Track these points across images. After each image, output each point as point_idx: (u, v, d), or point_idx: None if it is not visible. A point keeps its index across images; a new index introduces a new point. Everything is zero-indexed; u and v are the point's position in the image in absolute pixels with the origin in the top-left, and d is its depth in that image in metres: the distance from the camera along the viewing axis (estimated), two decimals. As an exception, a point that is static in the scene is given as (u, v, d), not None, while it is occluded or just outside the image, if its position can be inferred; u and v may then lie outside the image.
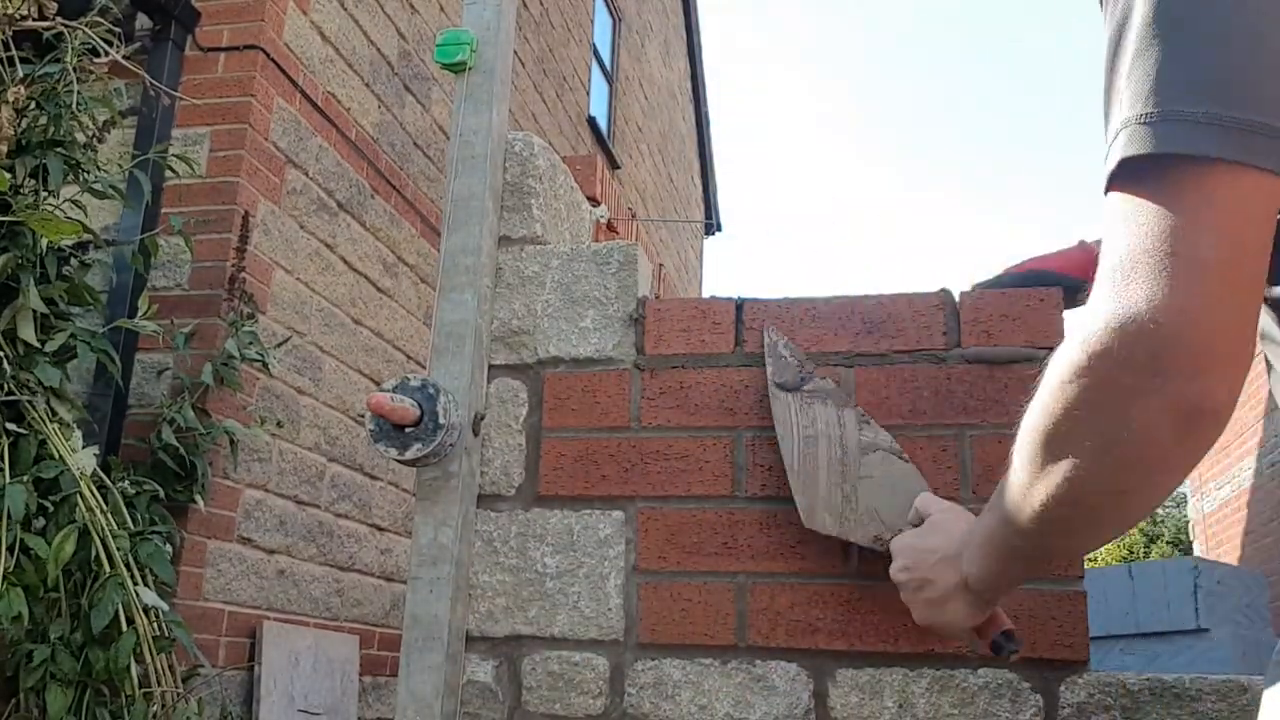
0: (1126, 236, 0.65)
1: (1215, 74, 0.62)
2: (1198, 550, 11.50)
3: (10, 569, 2.49)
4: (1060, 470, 0.73)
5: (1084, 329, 0.68)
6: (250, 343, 3.63)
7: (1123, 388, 0.65)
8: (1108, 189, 0.67)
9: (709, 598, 1.27)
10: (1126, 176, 0.65)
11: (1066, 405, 0.70)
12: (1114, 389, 0.66)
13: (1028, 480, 0.77)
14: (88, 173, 3.01)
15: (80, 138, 2.99)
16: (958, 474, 1.25)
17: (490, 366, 1.41)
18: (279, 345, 4.01)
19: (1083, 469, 0.71)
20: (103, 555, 2.68)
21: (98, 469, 2.88)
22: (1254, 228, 0.63)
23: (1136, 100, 0.64)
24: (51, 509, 2.70)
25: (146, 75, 3.48)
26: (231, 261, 3.76)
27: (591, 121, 8.85)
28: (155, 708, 2.71)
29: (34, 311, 2.78)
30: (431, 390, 1.28)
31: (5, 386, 2.71)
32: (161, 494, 3.24)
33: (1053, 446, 0.73)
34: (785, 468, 1.24)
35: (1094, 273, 0.69)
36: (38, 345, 2.79)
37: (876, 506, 1.20)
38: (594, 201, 6.13)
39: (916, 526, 1.09)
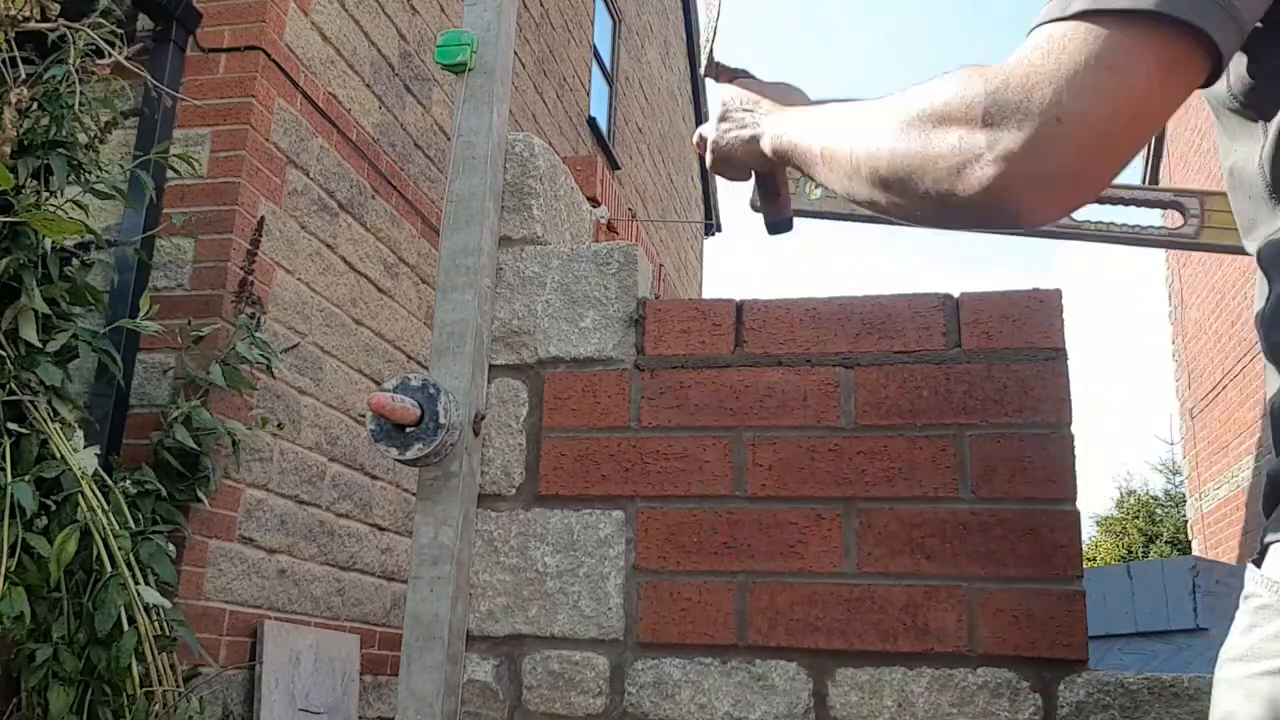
0: (1072, 43, 0.68)
1: None
2: (1196, 550, 11.50)
3: (12, 569, 2.49)
4: (884, 137, 0.79)
5: (991, 67, 0.72)
6: (258, 345, 3.64)
7: (990, 112, 0.70)
8: (1063, 19, 0.69)
9: (709, 597, 1.28)
10: (1098, 15, 0.68)
11: (930, 99, 0.76)
12: (975, 110, 0.71)
13: (854, 121, 0.85)
14: (90, 173, 3.01)
15: (82, 138, 3.00)
16: (957, 474, 1.26)
17: (491, 366, 1.41)
18: (286, 350, 4.02)
19: (900, 146, 0.77)
20: (104, 555, 2.69)
21: (99, 469, 2.89)
22: (1180, 95, 0.69)
23: None
24: (53, 508, 2.71)
25: (148, 76, 3.48)
26: (237, 263, 3.76)
27: (591, 122, 8.85)
28: (157, 707, 2.72)
29: (36, 311, 2.79)
30: (432, 390, 1.29)
31: (7, 386, 2.72)
32: (164, 493, 3.25)
33: (892, 115, 0.79)
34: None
35: None
36: (40, 345, 2.80)
37: None
38: (594, 202, 6.13)
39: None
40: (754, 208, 1.13)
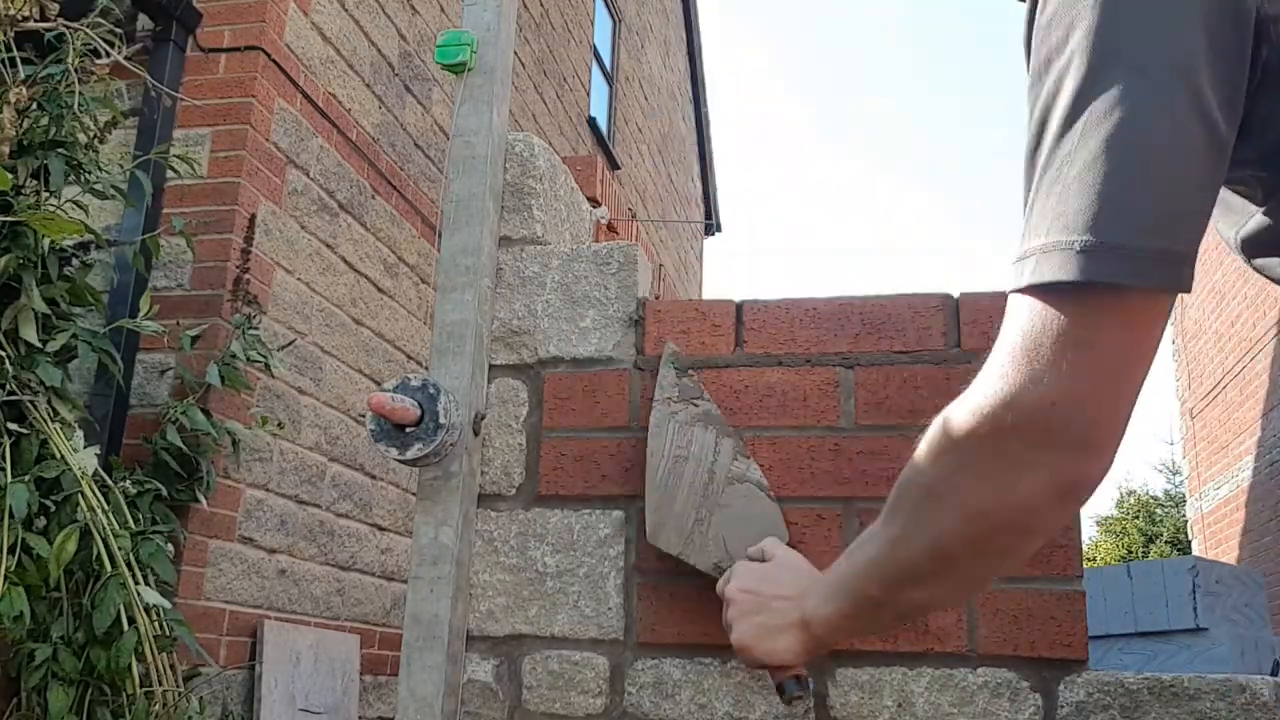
0: (1034, 323, 0.70)
1: (1124, 204, 0.67)
2: (1196, 550, 11.50)
3: (12, 568, 2.49)
4: (935, 526, 0.78)
5: (978, 397, 0.73)
6: (254, 344, 3.64)
7: (1012, 457, 0.71)
8: (1021, 290, 0.71)
9: (709, 597, 1.28)
10: (1047, 290, 0.69)
11: (952, 467, 0.76)
12: (1004, 458, 0.72)
13: (898, 533, 0.82)
14: (89, 173, 3.01)
15: (82, 138, 3.00)
16: (957, 474, 1.26)
17: (491, 366, 1.41)
18: (283, 348, 4.02)
19: (958, 527, 0.76)
20: (104, 555, 2.69)
21: (99, 469, 2.89)
22: (1152, 341, 0.70)
23: (1056, 224, 0.69)
24: (53, 508, 2.71)
25: (148, 76, 3.48)
26: (236, 263, 3.76)
27: (591, 122, 8.85)
28: (156, 707, 2.72)
29: (35, 312, 2.79)
30: (432, 390, 1.29)
31: (7, 386, 2.72)
32: (164, 493, 3.25)
33: (931, 504, 0.78)
34: (645, 479, 1.26)
35: None
36: (39, 345, 2.80)
37: (725, 535, 1.22)
38: (594, 202, 6.13)
39: (757, 561, 1.10)
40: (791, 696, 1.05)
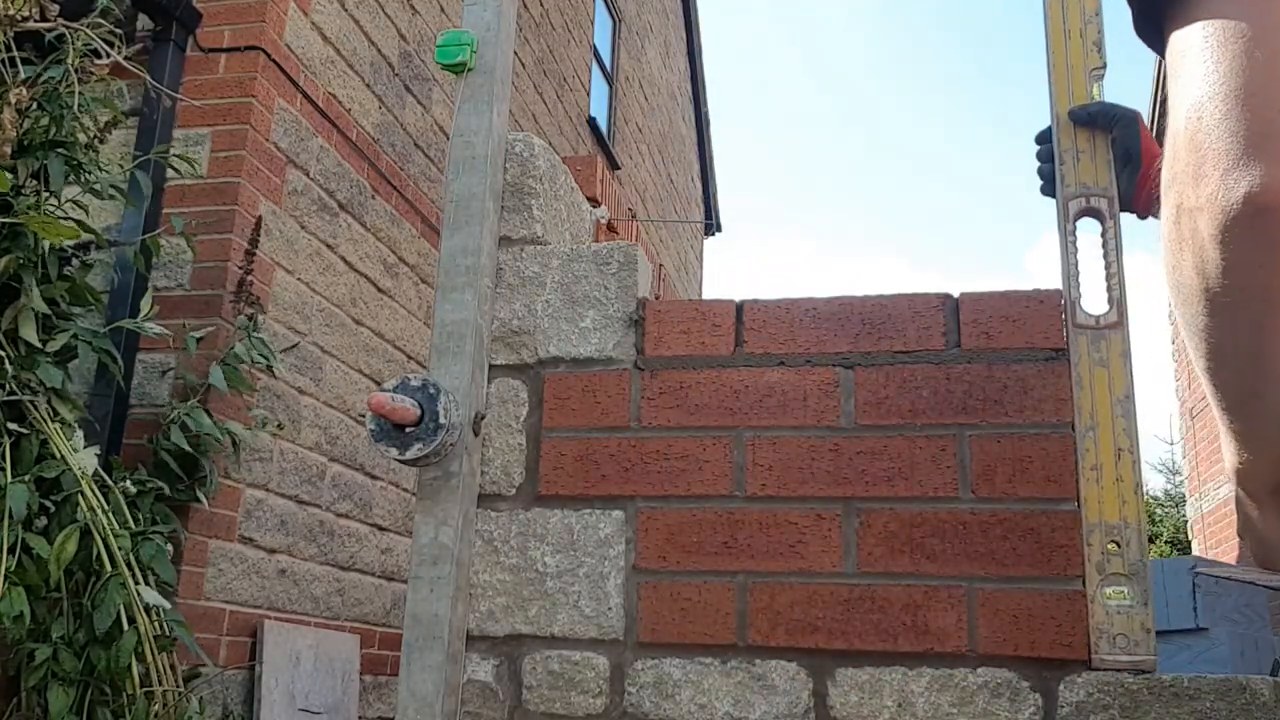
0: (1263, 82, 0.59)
1: None
2: (1196, 550, 11.50)
3: (12, 569, 2.49)
4: (1235, 324, 0.64)
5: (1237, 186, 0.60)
6: (258, 346, 3.64)
7: None
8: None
9: (709, 597, 1.28)
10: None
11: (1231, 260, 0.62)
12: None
13: (1204, 346, 0.67)
14: (89, 173, 3.01)
15: (82, 138, 3.00)
16: (956, 474, 1.26)
17: (491, 366, 1.41)
18: (285, 350, 4.01)
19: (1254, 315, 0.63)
20: (104, 555, 2.69)
21: (99, 469, 2.89)
22: None
23: None
24: (53, 509, 2.71)
25: (148, 76, 3.48)
26: (236, 263, 3.76)
27: (591, 122, 8.85)
28: (157, 707, 2.72)
29: (36, 312, 2.79)
30: (432, 390, 1.29)
31: (7, 386, 2.72)
32: (165, 493, 3.25)
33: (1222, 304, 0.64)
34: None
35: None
36: (39, 345, 2.80)
37: None
38: (594, 202, 6.13)
39: None
40: None
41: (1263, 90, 0.60)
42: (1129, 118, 1.28)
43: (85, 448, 2.86)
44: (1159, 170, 0.95)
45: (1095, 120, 1.28)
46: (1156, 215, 1.14)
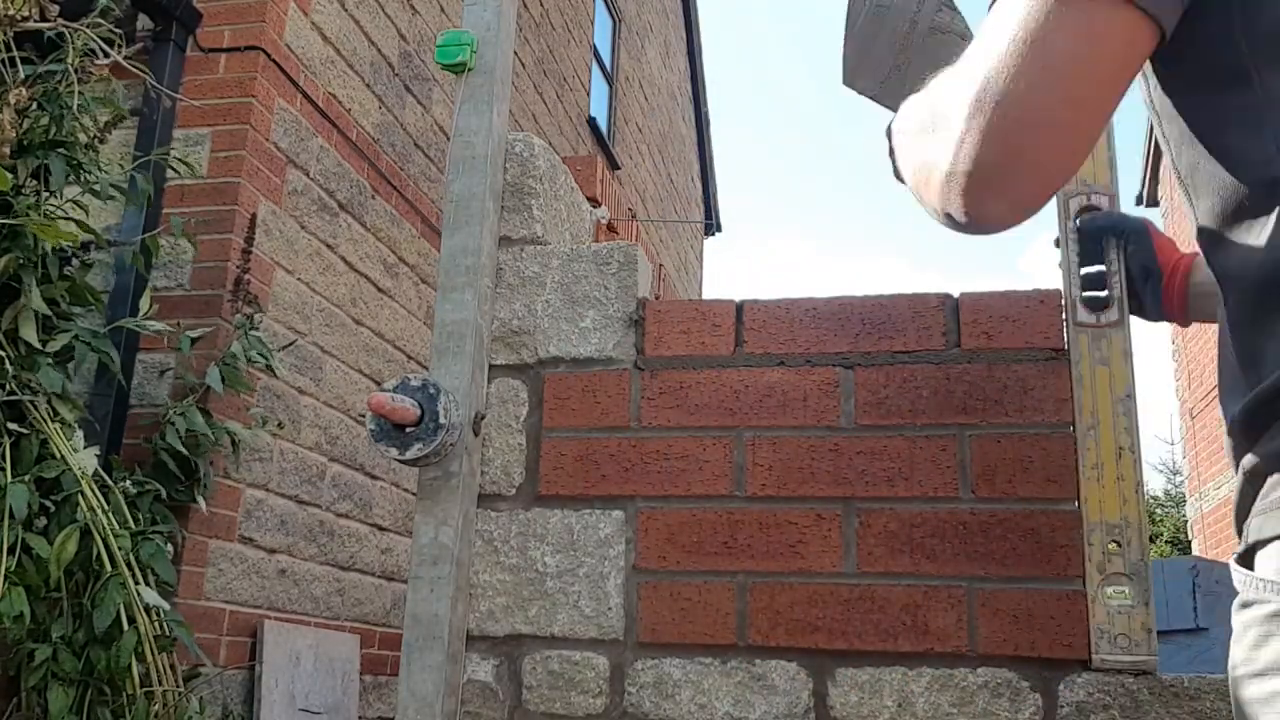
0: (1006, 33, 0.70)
1: None
2: (1196, 550, 11.50)
3: (12, 569, 2.49)
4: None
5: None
6: (255, 345, 3.63)
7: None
8: None
9: (709, 597, 1.28)
10: None
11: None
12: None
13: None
14: (89, 173, 3.01)
15: (82, 138, 3.00)
16: (956, 473, 1.26)
17: (491, 366, 1.41)
18: (283, 349, 4.01)
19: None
20: (104, 555, 2.68)
21: (99, 469, 2.88)
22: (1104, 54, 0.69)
23: None
24: (53, 509, 2.71)
25: (148, 76, 3.48)
26: (236, 263, 3.76)
27: (591, 122, 8.85)
28: (156, 707, 2.72)
29: (36, 312, 2.79)
30: (432, 390, 1.29)
31: (7, 387, 2.72)
32: (164, 494, 3.24)
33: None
34: (845, 27, 1.24)
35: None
36: (39, 346, 2.80)
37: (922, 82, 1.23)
38: (594, 202, 6.13)
39: None
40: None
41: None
42: (1139, 230, 1.25)
43: (85, 448, 2.85)
44: (1183, 277, 1.07)
45: (1104, 233, 1.26)
46: (1196, 319, 1.18)
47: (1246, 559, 0.69)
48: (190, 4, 3.99)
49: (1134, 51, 0.71)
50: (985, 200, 0.74)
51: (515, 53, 5.40)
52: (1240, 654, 0.68)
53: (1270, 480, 0.67)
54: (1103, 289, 1.24)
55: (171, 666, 2.80)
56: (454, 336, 1.35)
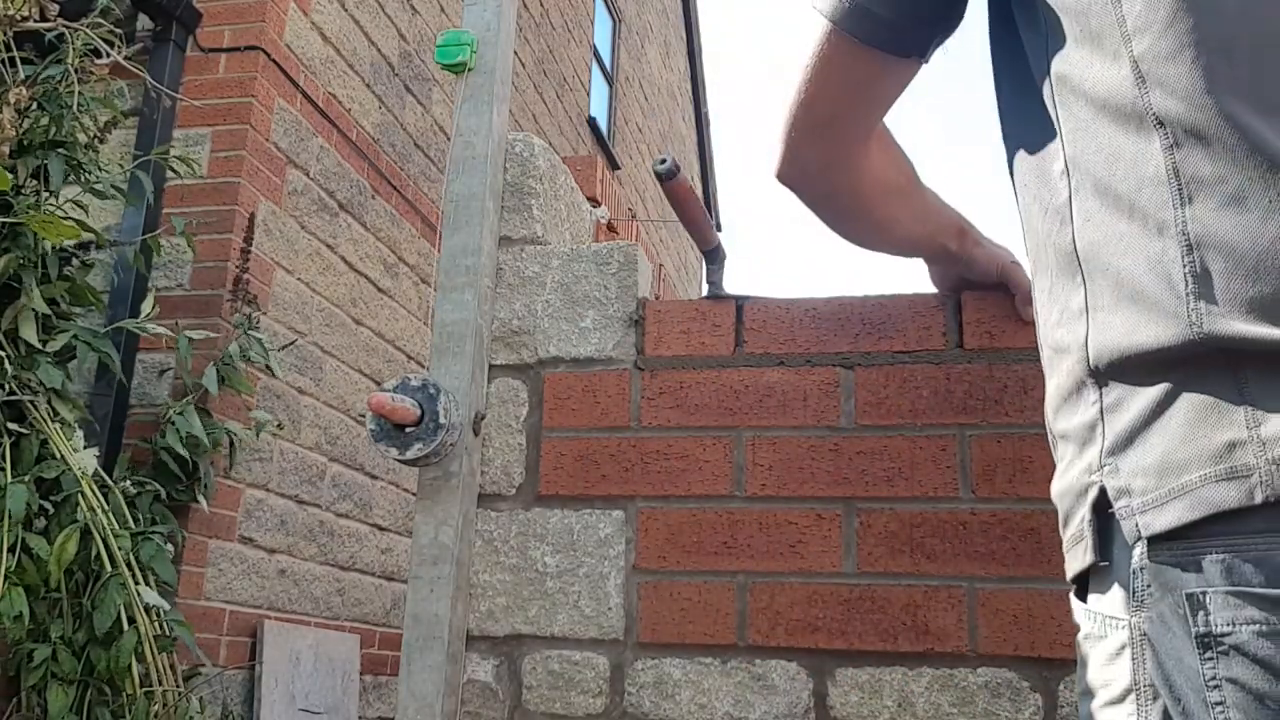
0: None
1: None
2: (1198, 550, 11.46)
3: (12, 569, 2.49)
4: None
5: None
6: (254, 345, 3.63)
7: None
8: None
9: (709, 597, 1.28)
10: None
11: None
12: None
13: None
14: (89, 173, 3.01)
15: (82, 138, 3.00)
16: (957, 474, 1.25)
17: (491, 366, 1.41)
18: (283, 348, 4.01)
19: None
20: (104, 555, 2.68)
21: (99, 469, 2.88)
22: (827, 73, 0.91)
23: None
24: (53, 509, 2.71)
25: (148, 76, 3.48)
26: (236, 263, 3.76)
27: (592, 122, 8.85)
28: (156, 707, 2.72)
29: (36, 312, 2.79)
30: (432, 390, 1.29)
31: (7, 386, 2.72)
32: (163, 494, 3.24)
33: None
34: None
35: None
36: (40, 346, 2.80)
37: None
38: (594, 202, 6.13)
39: None
40: None
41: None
42: None
43: (85, 448, 2.86)
44: None
45: None
46: None
47: (1083, 590, 0.75)
48: (190, 4, 3.99)
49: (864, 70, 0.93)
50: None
51: (515, 53, 5.40)
52: (1097, 676, 0.71)
53: None
54: None
55: (171, 666, 2.80)
56: (454, 336, 1.35)
